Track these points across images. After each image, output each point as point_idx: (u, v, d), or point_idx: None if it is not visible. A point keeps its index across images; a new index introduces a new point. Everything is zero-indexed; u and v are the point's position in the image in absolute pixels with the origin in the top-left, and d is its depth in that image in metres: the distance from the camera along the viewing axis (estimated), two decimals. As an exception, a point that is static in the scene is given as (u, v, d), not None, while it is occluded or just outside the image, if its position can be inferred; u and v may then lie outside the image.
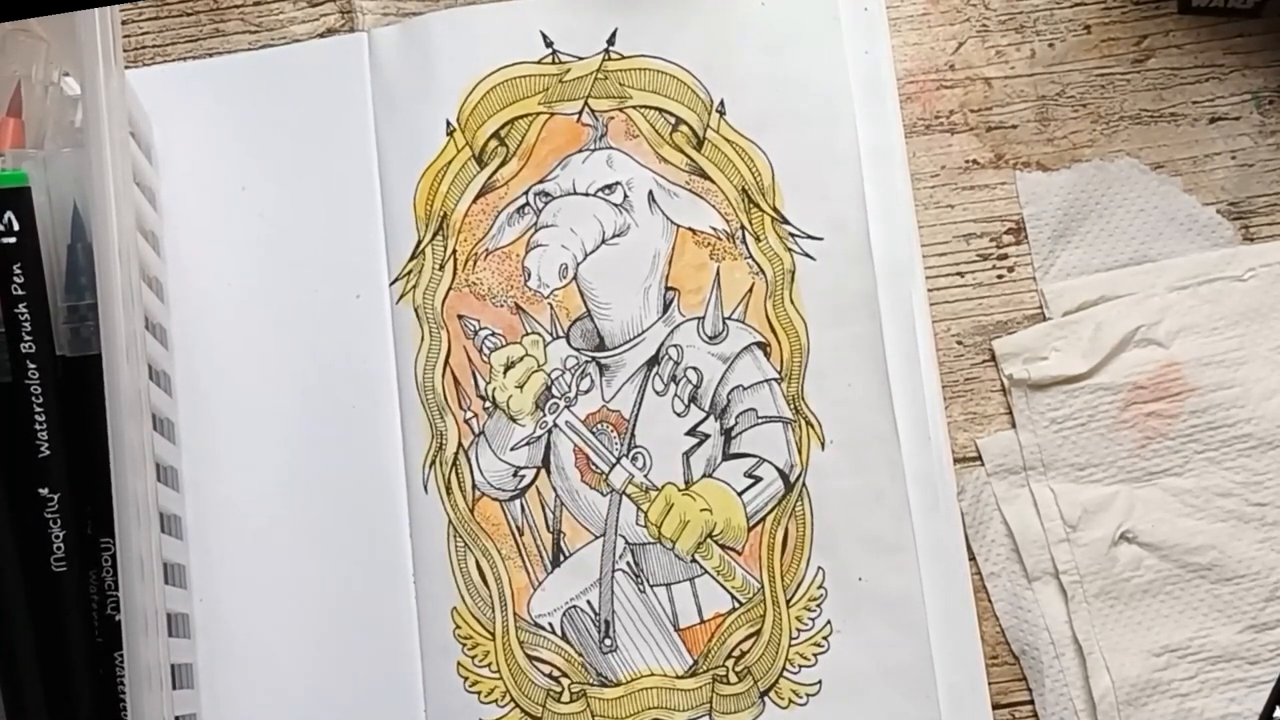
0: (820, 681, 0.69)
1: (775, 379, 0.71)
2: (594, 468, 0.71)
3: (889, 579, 0.69)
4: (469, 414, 0.72)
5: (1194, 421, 0.70)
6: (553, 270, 0.72)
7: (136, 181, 0.68)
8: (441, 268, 0.73)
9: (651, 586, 0.70)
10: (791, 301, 0.72)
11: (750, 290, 0.72)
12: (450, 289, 0.73)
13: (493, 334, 0.72)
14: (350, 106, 0.74)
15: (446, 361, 0.72)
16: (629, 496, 0.71)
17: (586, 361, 0.72)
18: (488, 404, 0.72)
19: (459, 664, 0.70)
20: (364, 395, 0.72)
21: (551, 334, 0.72)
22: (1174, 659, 0.68)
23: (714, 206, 0.73)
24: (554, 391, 0.72)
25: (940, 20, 0.74)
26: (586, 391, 0.72)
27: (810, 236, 0.72)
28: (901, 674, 0.68)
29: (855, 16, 0.74)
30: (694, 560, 0.70)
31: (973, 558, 0.70)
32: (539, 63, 0.74)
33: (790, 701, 0.69)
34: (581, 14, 0.74)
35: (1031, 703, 0.69)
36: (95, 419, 0.61)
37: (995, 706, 0.68)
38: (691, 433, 0.71)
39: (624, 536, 0.71)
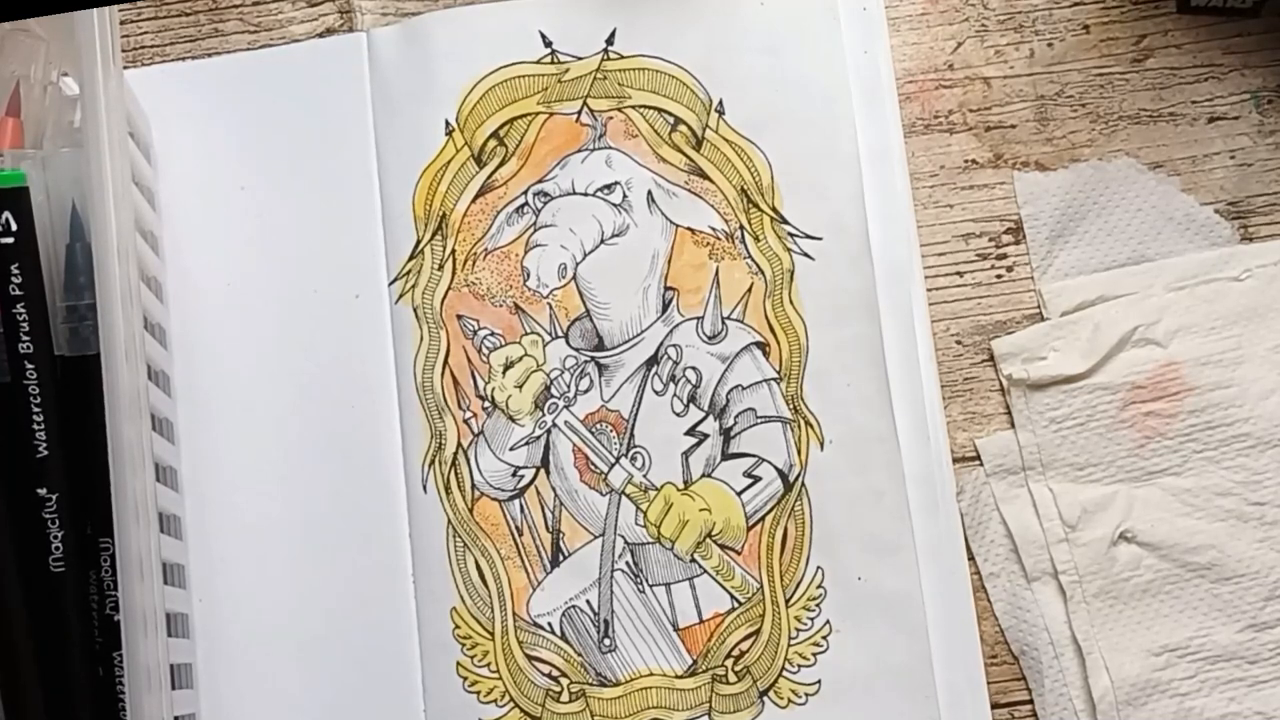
0: (819, 681, 0.69)
1: (774, 379, 0.71)
2: (593, 467, 0.71)
3: (888, 579, 0.69)
4: (468, 414, 0.72)
5: (1192, 421, 0.70)
6: (552, 270, 0.72)
7: (135, 181, 0.68)
8: (440, 267, 0.73)
9: (650, 586, 0.70)
10: (790, 301, 0.72)
11: (749, 290, 0.72)
12: (449, 289, 0.73)
13: (492, 334, 0.72)
14: (349, 106, 0.74)
15: (445, 361, 0.72)
16: (628, 496, 0.71)
17: (585, 361, 0.72)
18: (487, 404, 0.72)
19: (458, 664, 0.70)
20: (363, 395, 0.72)
21: (550, 334, 0.72)
22: (1173, 658, 0.68)
23: (713, 206, 0.73)
24: (553, 391, 0.72)
25: (939, 20, 0.74)
26: (585, 391, 0.72)
27: (809, 236, 0.72)
28: (901, 674, 0.68)
29: (854, 16, 0.74)
30: (693, 560, 0.70)
31: (972, 558, 0.70)
32: (538, 62, 0.74)
33: (789, 701, 0.69)
34: (580, 14, 0.74)
35: (1031, 702, 0.69)
36: (94, 419, 0.61)
37: (994, 706, 0.69)
38: (690, 432, 0.71)
39: (623, 536, 0.71)
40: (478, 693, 0.69)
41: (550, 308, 0.72)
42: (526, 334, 0.72)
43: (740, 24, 0.74)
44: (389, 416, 0.72)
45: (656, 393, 0.72)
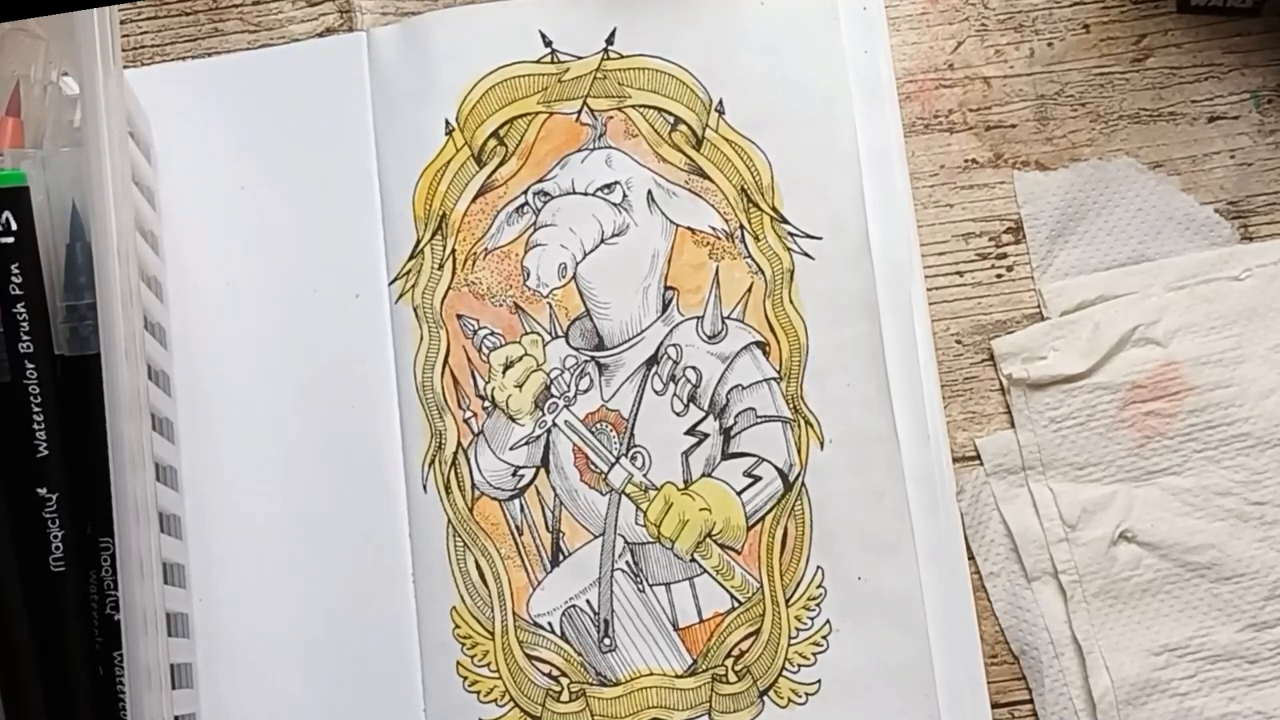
0: (819, 681, 0.69)
1: (774, 378, 0.71)
2: (593, 467, 0.71)
3: (888, 579, 0.69)
4: (468, 413, 0.72)
5: (1192, 420, 0.70)
6: (552, 270, 0.72)
7: (135, 181, 0.68)
8: (440, 267, 0.73)
9: (651, 586, 0.70)
10: (790, 301, 0.72)
11: (749, 290, 0.72)
12: (449, 288, 0.73)
13: (492, 333, 0.72)
14: (349, 106, 0.74)
15: (445, 361, 0.72)
16: (628, 496, 0.71)
17: (585, 361, 0.72)
18: (487, 403, 0.72)
19: (458, 663, 0.70)
20: (363, 395, 0.72)
21: (550, 333, 0.72)
22: (1173, 658, 0.68)
23: (713, 206, 0.73)
24: (553, 391, 0.72)
25: (939, 19, 0.74)
26: (585, 391, 0.72)
27: (809, 236, 0.72)
28: (901, 673, 0.68)
29: (854, 16, 0.74)
30: (693, 560, 0.70)
31: (972, 557, 0.70)
32: (538, 62, 0.74)
33: (789, 701, 0.69)
34: (580, 13, 0.74)
35: (1031, 702, 0.69)
36: (94, 419, 0.61)
37: (994, 706, 0.69)
38: (690, 432, 0.71)
39: (623, 536, 0.71)
40: (478, 693, 0.69)
41: (550, 307, 0.72)
42: (526, 333, 0.72)
43: (740, 24, 0.74)
44: (389, 416, 0.72)
45: (656, 392, 0.72)
